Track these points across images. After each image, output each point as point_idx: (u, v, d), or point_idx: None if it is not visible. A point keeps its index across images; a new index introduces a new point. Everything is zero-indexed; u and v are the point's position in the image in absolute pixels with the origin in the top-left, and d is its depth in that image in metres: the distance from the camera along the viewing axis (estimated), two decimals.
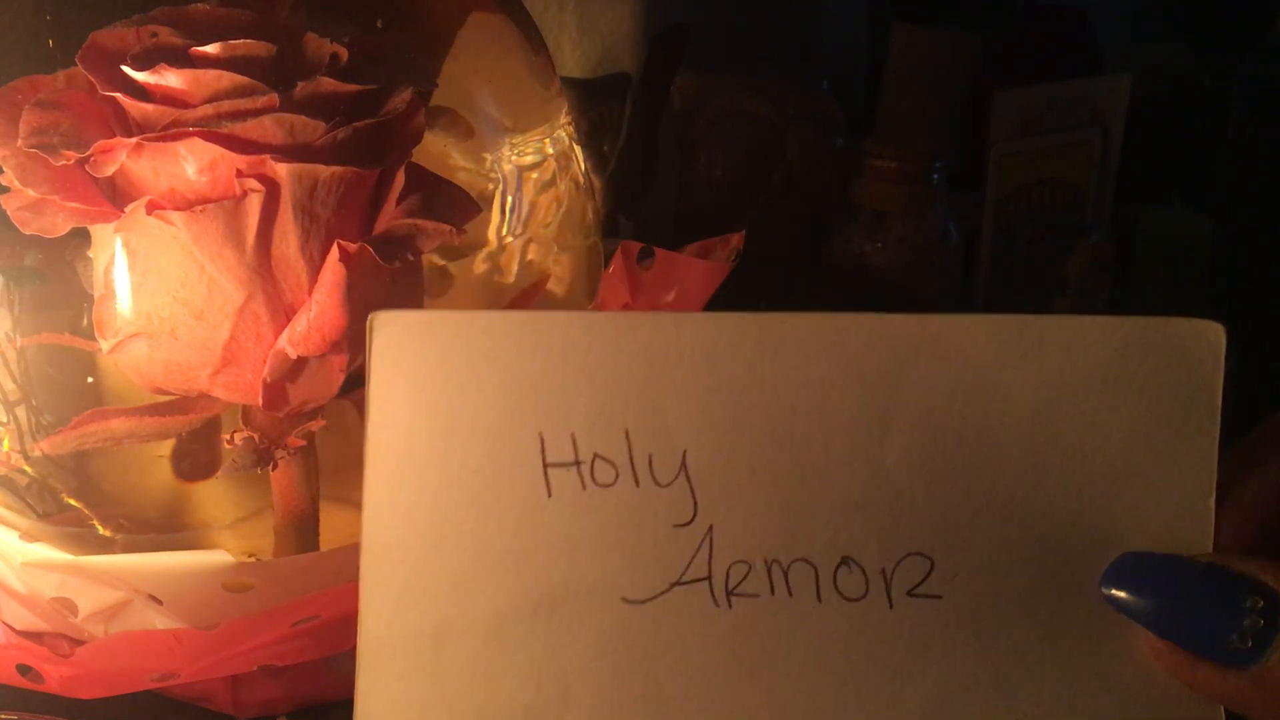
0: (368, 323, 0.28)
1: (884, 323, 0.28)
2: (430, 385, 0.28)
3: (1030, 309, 0.77)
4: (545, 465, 0.28)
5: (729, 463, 0.28)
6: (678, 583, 0.28)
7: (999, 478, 0.28)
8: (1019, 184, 0.74)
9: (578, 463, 0.28)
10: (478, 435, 0.28)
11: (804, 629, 0.28)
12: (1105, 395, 0.28)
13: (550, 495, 0.28)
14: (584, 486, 0.28)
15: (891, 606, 0.28)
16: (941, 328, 0.28)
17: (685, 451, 0.28)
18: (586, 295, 0.47)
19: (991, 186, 0.73)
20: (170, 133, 0.34)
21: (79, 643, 0.39)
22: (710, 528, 0.28)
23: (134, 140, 0.34)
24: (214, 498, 0.42)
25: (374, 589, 0.28)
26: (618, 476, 0.28)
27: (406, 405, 0.28)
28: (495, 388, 0.28)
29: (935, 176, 0.70)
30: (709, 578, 0.28)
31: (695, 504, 0.28)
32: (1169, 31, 0.99)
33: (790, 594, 0.28)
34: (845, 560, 0.28)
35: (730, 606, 0.28)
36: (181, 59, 0.35)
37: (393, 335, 0.28)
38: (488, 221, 0.43)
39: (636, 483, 0.28)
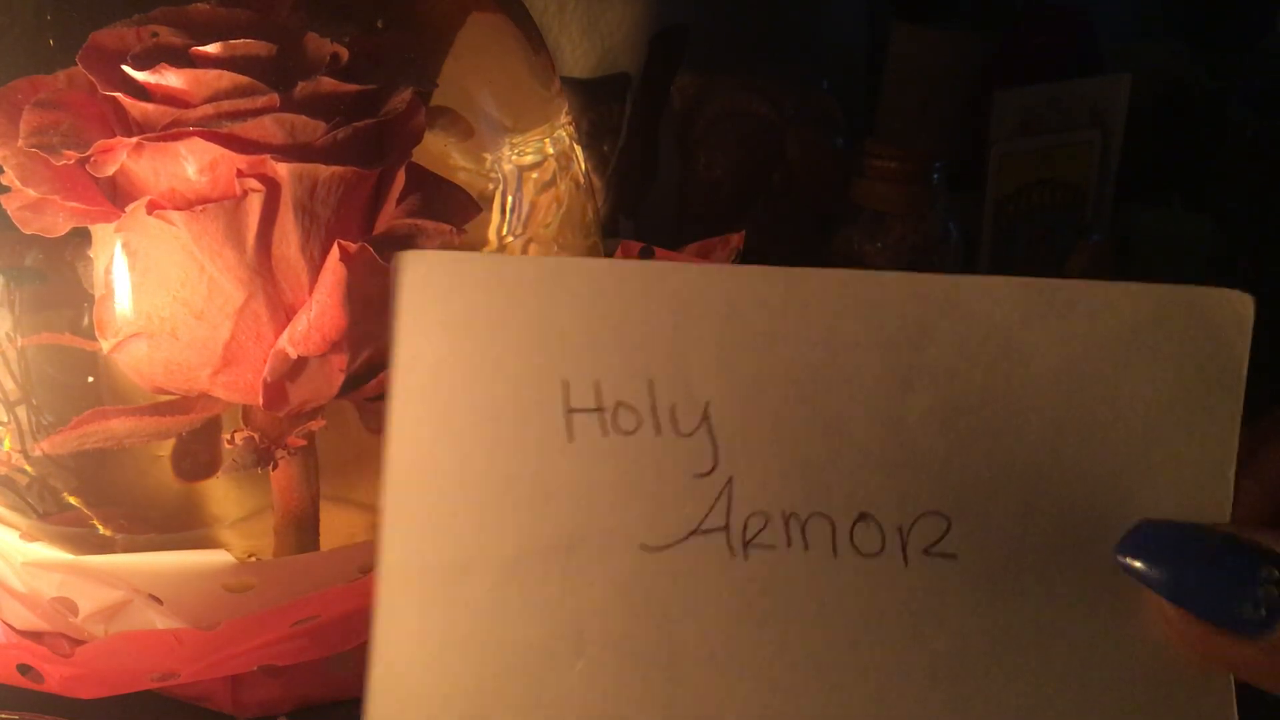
0: (394, 260, 0.28)
1: (910, 281, 0.28)
2: (456, 326, 0.28)
3: None
4: (568, 410, 0.28)
5: (751, 415, 0.28)
6: (695, 532, 0.28)
7: (1020, 440, 0.28)
8: (1019, 184, 0.74)
9: (600, 409, 0.28)
10: (502, 377, 0.28)
11: (819, 582, 0.28)
12: (1129, 362, 0.28)
13: (572, 440, 0.28)
14: (605, 433, 0.28)
15: (906, 564, 0.28)
16: (968, 288, 0.28)
17: (708, 402, 0.28)
18: None
19: (991, 186, 0.73)
20: (170, 132, 0.34)
21: (79, 642, 0.39)
22: (730, 479, 0.28)
23: (134, 140, 0.34)
24: (214, 498, 0.42)
25: (395, 523, 0.28)
26: (640, 424, 0.28)
27: (432, 344, 0.28)
28: (521, 331, 0.28)
29: (935, 176, 0.70)
30: (727, 528, 0.28)
31: (716, 455, 0.28)
32: (1169, 31, 0.99)
33: (807, 547, 0.28)
34: (863, 516, 0.28)
35: (746, 557, 0.28)
36: (182, 59, 0.35)
37: (420, 274, 0.28)
38: (488, 221, 0.43)
39: (658, 431, 0.28)
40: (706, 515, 0.28)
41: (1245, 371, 0.27)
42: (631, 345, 0.28)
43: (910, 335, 0.28)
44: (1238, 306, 0.27)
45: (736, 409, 0.28)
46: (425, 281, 0.28)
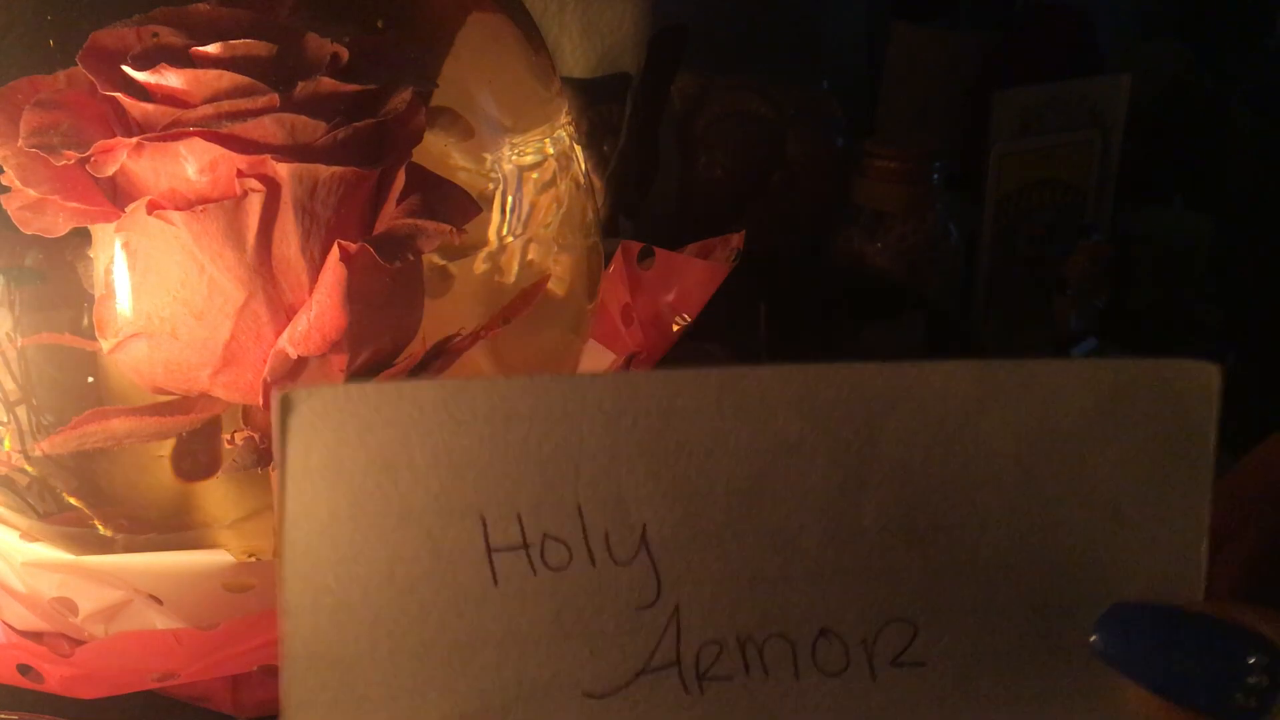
0: (275, 402, 0.24)
1: (855, 372, 0.26)
2: (352, 468, 0.25)
3: (1030, 309, 0.77)
4: (489, 550, 0.25)
5: (693, 534, 0.25)
6: (644, 671, 0.26)
7: (983, 533, 0.26)
8: (1019, 184, 0.74)
9: (526, 545, 0.25)
10: (410, 521, 0.25)
11: (782, 710, 0.26)
12: (1092, 442, 0.26)
13: (496, 583, 0.25)
14: (534, 571, 0.25)
15: (874, 678, 0.26)
16: (918, 376, 0.26)
17: (645, 525, 0.25)
18: (586, 295, 0.47)
19: (991, 186, 0.73)
20: (171, 133, 0.34)
21: (79, 643, 0.40)
22: (676, 607, 0.26)
23: (134, 140, 0.34)
24: (214, 498, 0.42)
25: (298, 711, 0.25)
26: (571, 557, 0.25)
27: (326, 493, 0.25)
28: (427, 467, 0.25)
29: (935, 176, 0.70)
30: (678, 663, 0.26)
31: (658, 582, 0.25)
32: (1169, 31, 0.99)
33: (766, 673, 0.26)
34: (823, 632, 0.26)
35: (703, 693, 0.26)
36: (182, 59, 0.35)
37: (307, 415, 0.24)
38: (488, 221, 0.43)
39: (593, 563, 0.25)
40: (654, 651, 0.26)
41: (1214, 443, 0.26)
42: (553, 469, 0.25)
43: (859, 431, 0.26)
44: (1203, 378, 0.26)
45: (677, 529, 0.25)
46: (311, 423, 0.24)
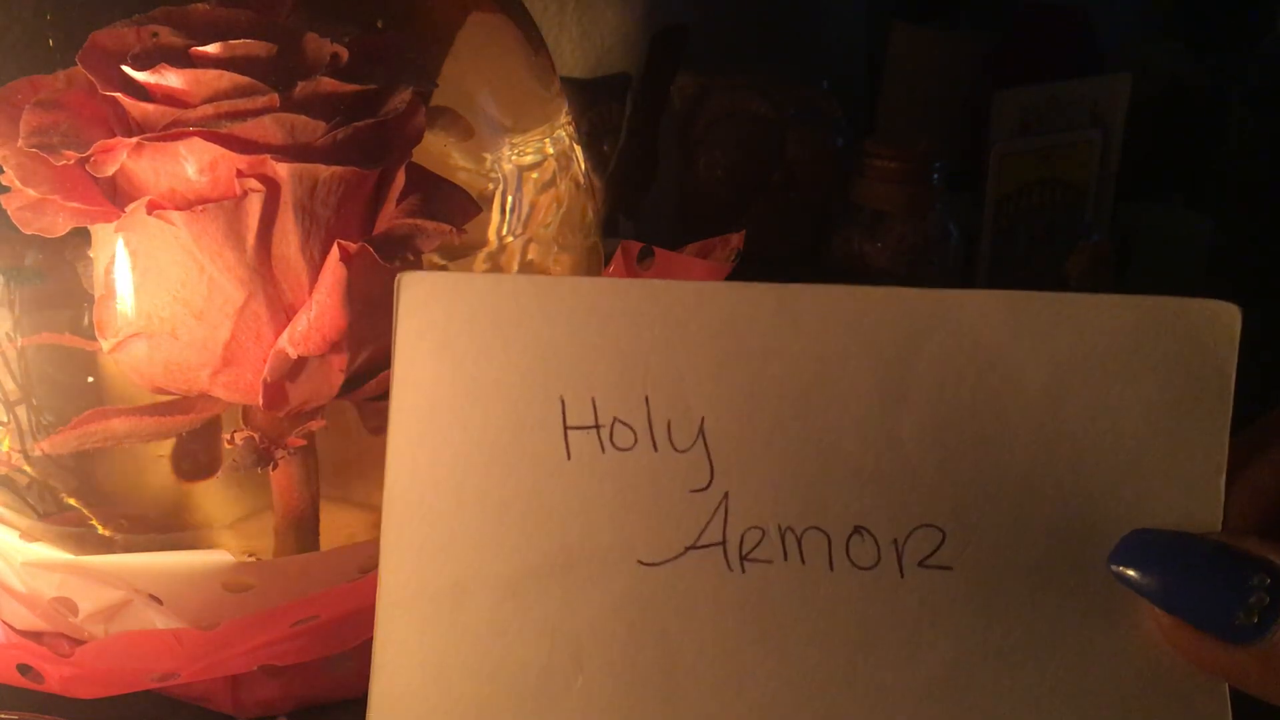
0: (395, 281, 0.28)
1: (901, 297, 0.28)
2: (455, 346, 0.28)
3: None
4: (565, 428, 0.28)
5: (746, 430, 0.28)
6: (692, 547, 0.28)
7: (1011, 453, 0.28)
8: (1019, 184, 0.74)
9: (597, 426, 0.28)
10: (500, 396, 0.28)
11: (816, 596, 0.28)
12: (1118, 374, 0.28)
13: (569, 457, 0.28)
14: (603, 450, 0.28)
15: (902, 576, 0.28)
16: (957, 303, 0.28)
17: (703, 418, 0.28)
18: None
19: (991, 186, 0.73)
20: (170, 133, 0.34)
21: (79, 642, 0.39)
22: (726, 494, 0.28)
23: (134, 140, 0.34)
24: (214, 498, 0.42)
25: (394, 545, 0.28)
26: (636, 441, 0.28)
27: (431, 365, 0.28)
28: (519, 350, 0.28)
29: (935, 176, 0.70)
30: (723, 543, 0.28)
31: (712, 470, 0.28)
32: (1169, 31, 0.99)
33: (803, 561, 0.28)
34: (858, 529, 0.28)
35: (743, 571, 0.28)
36: (182, 59, 0.35)
37: (419, 295, 0.29)
38: (488, 221, 0.43)
39: (655, 447, 0.28)
40: (703, 530, 0.28)
41: (1233, 381, 0.27)
42: (627, 362, 0.28)
43: (900, 349, 0.28)
44: (1225, 317, 0.28)
45: (731, 424, 0.28)
46: (423, 302, 0.29)
